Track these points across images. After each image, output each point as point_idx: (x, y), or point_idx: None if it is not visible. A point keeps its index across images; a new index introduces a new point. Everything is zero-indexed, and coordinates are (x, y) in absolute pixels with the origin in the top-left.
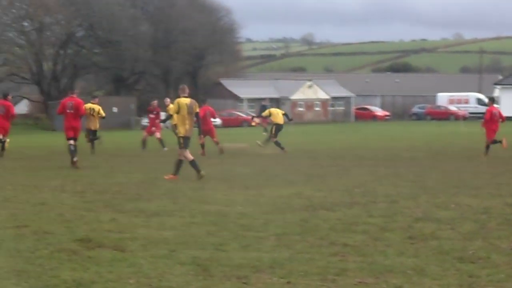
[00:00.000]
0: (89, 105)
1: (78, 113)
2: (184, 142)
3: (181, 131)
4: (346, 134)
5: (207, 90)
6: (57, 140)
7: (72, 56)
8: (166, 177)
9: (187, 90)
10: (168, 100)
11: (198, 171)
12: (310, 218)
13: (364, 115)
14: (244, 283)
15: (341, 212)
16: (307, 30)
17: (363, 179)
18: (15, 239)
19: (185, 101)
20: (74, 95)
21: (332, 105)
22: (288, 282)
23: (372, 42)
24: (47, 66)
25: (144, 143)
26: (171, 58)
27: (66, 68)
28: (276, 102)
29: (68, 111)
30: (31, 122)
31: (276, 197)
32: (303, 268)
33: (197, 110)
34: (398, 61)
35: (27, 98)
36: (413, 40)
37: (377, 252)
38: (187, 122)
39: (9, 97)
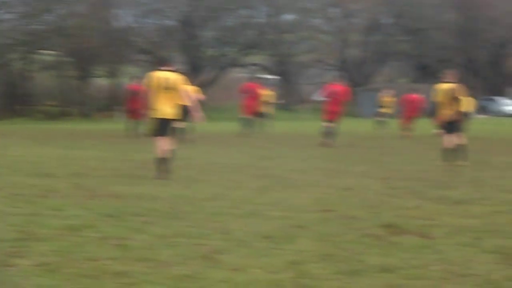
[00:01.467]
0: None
1: (340, 98)
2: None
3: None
4: None
5: (510, 79)
6: (363, 126)
7: (377, 43)
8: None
9: (455, 76)
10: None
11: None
12: None
13: None
14: None
15: None
16: None
17: None
18: (321, 223)
19: (444, 86)
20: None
21: None
22: None
23: None
24: (352, 52)
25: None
26: (475, 46)
27: (372, 55)
28: None
29: (330, 97)
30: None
31: None
32: None
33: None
34: None
35: None
36: None
37: None
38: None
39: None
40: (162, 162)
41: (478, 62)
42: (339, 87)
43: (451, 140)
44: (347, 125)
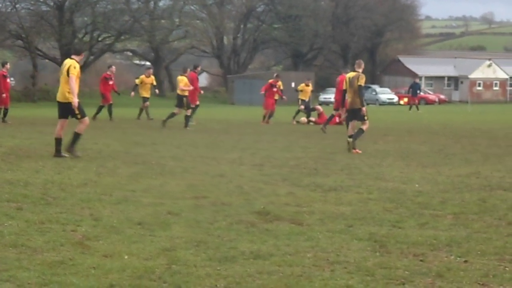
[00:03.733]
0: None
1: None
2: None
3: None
4: None
5: (385, 67)
6: (236, 113)
7: (252, 30)
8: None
9: (362, 65)
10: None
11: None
12: (488, 198)
13: None
14: (421, 260)
15: None
16: (488, 8)
17: None
18: (194, 209)
19: (349, 75)
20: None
21: (511, 85)
22: (465, 261)
23: None
24: (227, 40)
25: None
26: (350, 34)
27: (246, 42)
28: (455, 80)
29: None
30: (210, 95)
31: (453, 176)
32: (480, 247)
33: (361, 83)
34: None
35: (207, 72)
36: None
37: None
38: (348, 95)
39: (198, 68)
40: (58, 143)
41: (353, 50)
42: (192, 74)
43: (353, 126)
44: (222, 112)
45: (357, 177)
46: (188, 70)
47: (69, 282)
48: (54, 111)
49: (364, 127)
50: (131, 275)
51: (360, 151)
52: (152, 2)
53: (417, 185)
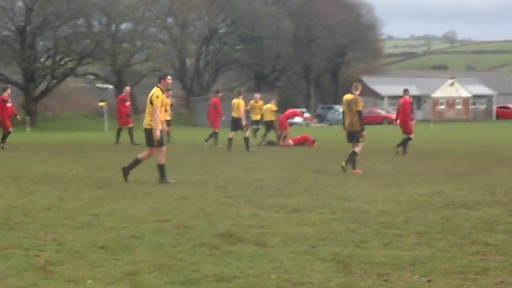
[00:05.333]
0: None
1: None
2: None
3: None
4: (487, 132)
5: (347, 87)
6: (199, 135)
7: (214, 52)
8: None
9: (359, 88)
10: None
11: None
12: (451, 216)
13: (506, 114)
14: (385, 280)
15: (483, 211)
16: (449, 27)
17: (505, 178)
18: (157, 233)
19: (346, 97)
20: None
21: (473, 103)
22: (429, 281)
23: None
24: (189, 62)
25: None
26: (312, 55)
27: (208, 64)
28: (417, 99)
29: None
30: (173, 117)
31: (416, 195)
32: (444, 266)
33: (359, 108)
34: None
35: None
36: None
37: None
38: (346, 117)
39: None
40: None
41: (316, 71)
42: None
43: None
44: (185, 134)
45: (321, 198)
46: (242, 94)
47: None
48: (16, 136)
49: (357, 149)
50: None
51: (360, 171)
52: (113, 26)
53: (380, 205)
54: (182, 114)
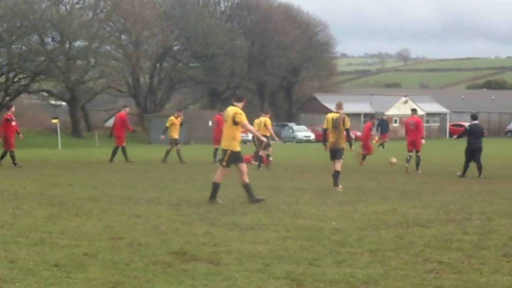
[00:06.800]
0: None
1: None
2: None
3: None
4: (440, 150)
5: (301, 105)
6: (153, 153)
7: (168, 69)
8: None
9: (342, 107)
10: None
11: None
12: (405, 234)
13: (459, 132)
14: None
15: (436, 229)
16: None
17: (458, 196)
18: (110, 251)
19: (331, 116)
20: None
21: (427, 121)
22: None
23: (468, 58)
24: (143, 79)
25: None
26: (267, 72)
27: (162, 81)
28: (370, 117)
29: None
30: (127, 134)
31: (370, 213)
32: (397, 284)
33: (346, 126)
34: (493, 78)
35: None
36: (509, 57)
37: (472, 269)
38: (331, 135)
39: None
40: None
41: (270, 88)
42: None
43: (335, 166)
44: (139, 152)
45: (275, 215)
46: (269, 112)
47: None
48: None
49: (339, 167)
50: None
51: (340, 187)
52: (67, 43)
53: (334, 223)
54: (136, 131)
